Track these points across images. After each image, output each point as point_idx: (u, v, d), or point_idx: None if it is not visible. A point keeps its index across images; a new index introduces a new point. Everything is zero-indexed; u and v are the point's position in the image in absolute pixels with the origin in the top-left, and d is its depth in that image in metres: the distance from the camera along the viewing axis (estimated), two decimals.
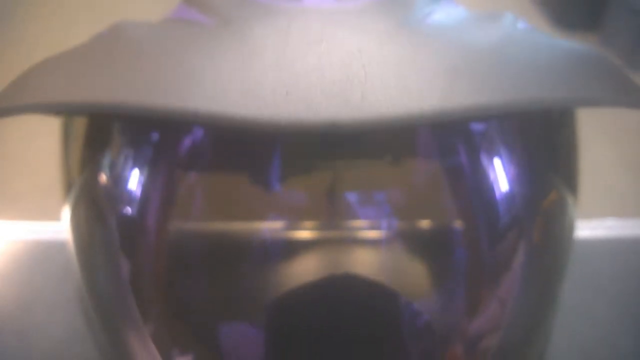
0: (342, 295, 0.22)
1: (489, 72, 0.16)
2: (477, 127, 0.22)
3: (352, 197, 0.22)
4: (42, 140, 1.67)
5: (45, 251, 0.43)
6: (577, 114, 0.27)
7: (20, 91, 0.19)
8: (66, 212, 0.26)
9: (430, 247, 0.23)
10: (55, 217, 0.46)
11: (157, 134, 0.23)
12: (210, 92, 0.15)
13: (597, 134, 1.74)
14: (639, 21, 1.92)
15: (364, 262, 0.23)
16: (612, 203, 1.46)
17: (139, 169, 0.23)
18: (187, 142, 0.23)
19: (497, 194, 0.23)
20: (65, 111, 0.23)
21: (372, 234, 0.22)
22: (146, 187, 0.23)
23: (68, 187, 0.26)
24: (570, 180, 0.26)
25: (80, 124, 0.25)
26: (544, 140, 0.25)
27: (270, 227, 0.23)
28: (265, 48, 0.17)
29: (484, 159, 0.23)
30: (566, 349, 0.36)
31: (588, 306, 0.39)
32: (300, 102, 0.14)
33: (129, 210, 0.24)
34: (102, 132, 0.24)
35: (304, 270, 0.22)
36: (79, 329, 0.37)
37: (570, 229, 0.26)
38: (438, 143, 0.23)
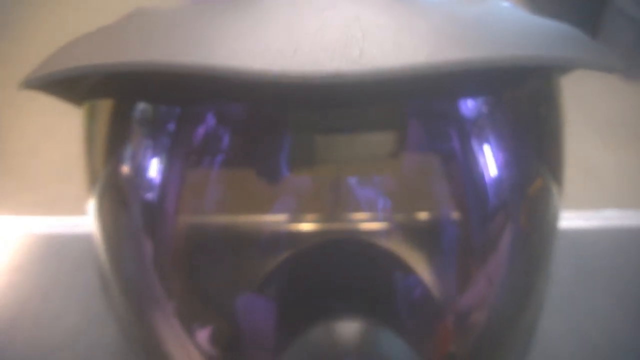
0: (343, 255, 0.24)
1: (473, 35, 0.18)
2: (468, 114, 0.24)
3: (353, 181, 0.24)
4: (56, 140, 1.69)
5: (59, 244, 0.45)
6: (563, 107, 0.28)
7: (57, 60, 0.21)
8: (92, 204, 0.27)
9: (424, 227, 0.25)
10: (68, 212, 0.47)
11: (173, 125, 0.24)
12: (228, 51, 0.17)
13: (590, 132, 1.76)
14: (635, 28, 1.93)
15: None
16: (603, 195, 1.50)
17: (158, 158, 0.25)
18: (200, 131, 0.24)
19: (487, 179, 0.25)
20: (98, 74, 0.24)
21: (371, 216, 0.24)
22: (165, 174, 0.25)
23: (93, 181, 0.27)
24: (555, 170, 0.27)
25: (102, 123, 0.27)
26: (531, 132, 0.27)
27: (280, 211, 0.24)
28: (275, 16, 0.19)
29: (475, 146, 0.25)
30: (562, 334, 0.38)
31: (585, 293, 0.40)
32: (306, 58, 0.16)
33: (150, 196, 0.25)
34: (123, 127, 0.25)
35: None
36: (91, 316, 0.39)
37: (555, 216, 0.27)
38: (432, 129, 0.25)
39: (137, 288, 0.26)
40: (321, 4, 0.20)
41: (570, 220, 0.45)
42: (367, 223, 0.24)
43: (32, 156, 1.64)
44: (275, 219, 0.24)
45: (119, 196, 0.26)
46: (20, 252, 0.44)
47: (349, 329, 0.20)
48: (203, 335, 0.25)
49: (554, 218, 0.27)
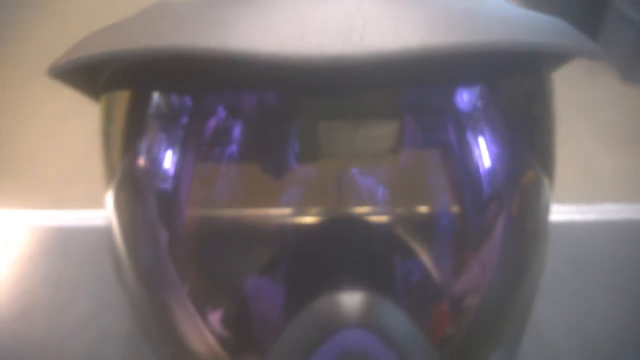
0: (346, 233, 0.25)
1: (466, 23, 0.20)
2: (463, 107, 0.25)
3: (356, 166, 0.25)
4: (64, 138, 1.71)
5: (68, 236, 0.46)
6: (554, 105, 0.30)
7: (80, 49, 0.22)
8: (109, 196, 0.29)
9: (422, 214, 0.26)
10: (77, 206, 0.49)
11: (187, 117, 0.26)
12: (242, 36, 0.18)
13: (591, 135, 1.77)
14: (635, 31, 1.94)
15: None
16: (603, 195, 1.51)
17: (172, 150, 0.26)
18: (211, 123, 0.26)
19: (481, 169, 0.26)
20: (119, 61, 0.25)
21: (373, 198, 0.25)
22: (178, 166, 0.26)
23: (111, 175, 0.28)
24: (547, 165, 0.29)
25: (119, 117, 0.28)
26: (524, 126, 0.28)
27: (288, 196, 0.26)
28: (284, 6, 0.20)
29: (470, 137, 0.26)
30: (558, 322, 0.39)
31: (581, 284, 0.41)
32: (312, 43, 0.18)
33: (164, 187, 0.27)
34: (140, 119, 0.27)
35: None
36: (101, 303, 0.40)
37: (546, 207, 0.28)
38: (429, 120, 0.26)
39: (153, 274, 0.27)
40: None
41: (566, 214, 0.46)
42: (369, 205, 0.25)
43: (37, 158, 1.66)
44: (283, 203, 0.26)
45: (135, 187, 0.27)
46: (31, 244, 0.46)
47: (351, 300, 0.21)
48: (215, 316, 0.26)
49: (546, 209, 0.29)
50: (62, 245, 0.45)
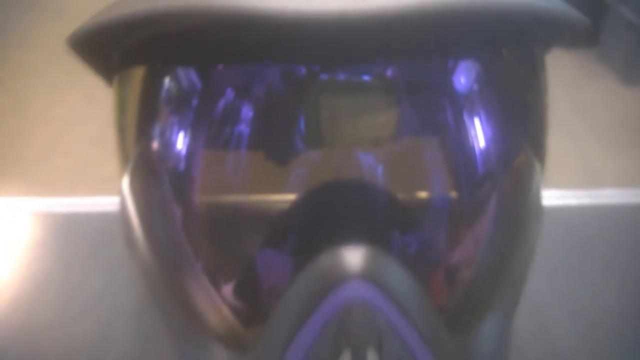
0: (349, 194, 0.26)
1: None
2: (460, 88, 0.27)
3: (358, 151, 0.26)
4: (69, 141, 1.72)
5: (79, 221, 0.48)
6: (547, 93, 0.31)
7: (100, 16, 0.23)
8: (125, 180, 0.29)
9: (420, 179, 0.28)
10: (86, 193, 0.50)
11: (196, 100, 0.27)
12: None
13: (591, 136, 1.78)
14: (635, 35, 1.96)
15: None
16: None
17: (184, 132, 0.27)
18: (221, 104, 0.27)
19: (476, 149, 0.28)
20: (138, 28, 0.25)
21: (375, 165, 0.27)
22: (190, 146, 0.27)
23: (126, 160, 0.29)
24: (538, 150, 0.30)
25: (132, 109, 0.29)
26: (518, 111, 0.29)
27: (296, 174, 0.27)
28: None
29: (466, 118, 0.27)
30: (555, 302, 0.40)
31: (578, 266, 0.43)
32: (318, 2, 0.19)
33: (177, 167, 0.28)
34: (151, 108, 0.28)
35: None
36: (110, 283, 0.42)
37: (537, 190, 0.29)
38: (429, 100, 0.28)
39: (168, 251, 0.28)
40: None
41: (562, 198, 0.48)
42: (370, 171, 0.26)
43: (42, 160, 1.68)
44: (292, 176, 0.27)
45: (150, 170, 0.28)
46: (44, 229, 0.47)
47: (353, 254, 0.22)
48: (227, 283, 0.28)
49: (537, 189, 0.30)
50: (74, 229, 0.47)
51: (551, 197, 0.48)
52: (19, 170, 1.60)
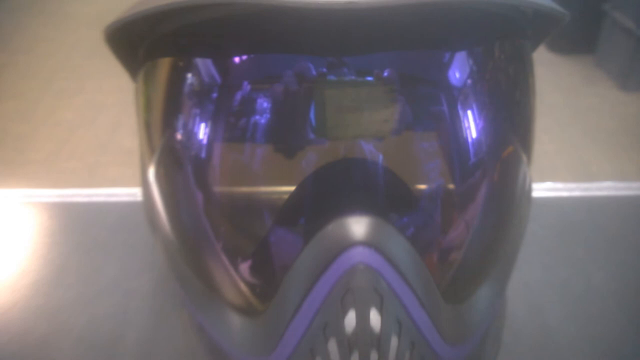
0: (354, 171, 0.29)
1: None
2: (455, 82, 0.29)
3: (362, 140, 0.29)
4: (74, 145, 1.74)
5: (96, 210, 0.50)
6: (534, 89, 0.33)
7: (135, 8, 0.26)
8: (151, 170, 0.32)
9: (417, 177, 0.30)
10: (101, 184, 0.53)
11: (216, 94, 0.29)
12: None
13: (589, 141, 1.81)
14: (632, 41, 1.98)
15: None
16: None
17: (205, 123, 0.30)
18: (238, 96, 0.29)
19: (469, 140, 0.30)
20: (166, 22, 0.28)
21: (378, 147, 0.29)
22: (210, 136, 0.30)
23: (151, 152, 0.32)
24: (525, 144, 0.32)
25: (157, 102, 0.31)
26: (508, 104, 0.32)
27: (306, 159, 0.30)
28: None
29: (460, 111, 0.30)
30: (548, 285, 0.43)
31: (570, 252, 0.45)
32: None
33: (199, 155, 0.30)
34: (175, 100, 0.30)
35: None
36: (127, 269, 0.44)
37: (523, 180, 0.32)
38: (426, 94, 0.30)
39: (191, 232, 0.31)
40: None
41: (555, 190, 0.50)
42: (374, 152, 0.29)
43: (47, 164, 1.70)
44: (302, 159, 0.30)
45: (174, 159, 0.31)
46: (64, 217, 0.50)
47: (358, 223, 0.24)
48: (244, 260, 0.30)
49: (524, 178, 0.32)
50: (93, 218, 0.50)
51: (544, 190, 0.50)
52: (26, 172, 1.63)
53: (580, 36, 2.26)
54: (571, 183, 0.50)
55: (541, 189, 0.50)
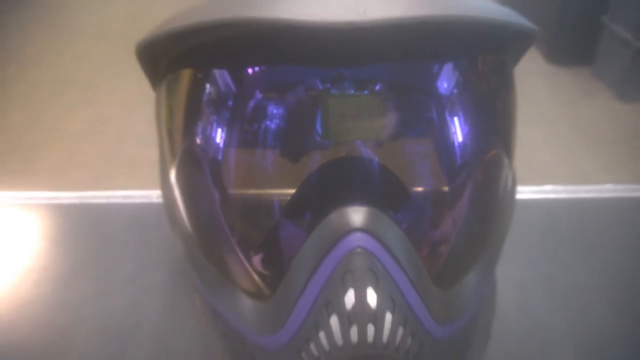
0: (353, 168, 0.33)
1: (443, 4, 0.27)
2: (445, 92, 0.33)
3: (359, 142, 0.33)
4: (82, 155, 1.77)
5: (114, 211, 0.54)
6: (515, 99, 0.36)
7: (163, 27, 0.29)
8: (172, 172, 0.35)
9: (410, 174, 0.34)
10: (115, 187, 0.56)
11: (231, 102, 0.33)
12: (281, 11, 0.25)
13: (589, 152, 1.84)
14: (630, 53, 2.01)
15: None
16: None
17: (221, 128, 0.33)
18: (251, 105, 0.33)
19: (455, 143, 0.33)
20: (192, 38, 0.30)
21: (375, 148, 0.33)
22: (227, 140, 0.33)
23: (173, 156, 0.35)
24: (507, 148, 0.35)
25: (179, 110, 0.34)
26: (491, 112, 0.35)
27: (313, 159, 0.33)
28: None
29: (447, 117, 0.33)
30: (534, 279, 0.46)
31: (554, 249, 0.48)
32: (331, 14, 0.25)
33: (216, 157, 0.34)
34: (195, 111, 0.34)
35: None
36: (143, 265, 0.47)
37: (505, 182, 0.35)
38: (417, 103, 0.34)
39: (209, 228, 0.34)
40: None
41: (542, 193, 0.54)
42: (371, 151, 0.33)
43: (54, 174, 1.74)
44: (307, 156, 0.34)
45: (194, 161, 0.34)
46: (84, 217, 0.53)
47: (356, 212, 0.28)
48: (256, 248, 0.34)
49: (506, 178, 0.35)
50: (109, 218, 0.53)
51: (532, 192, 0.54)
52: (34, 182, 1.66)
53: (579, 48, 2.29)
54: (558, 185, 0.53)
55: (529, 192, 0.53)
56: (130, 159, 1.76)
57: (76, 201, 0.54)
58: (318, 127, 0.33)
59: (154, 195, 0.54)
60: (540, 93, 2.17)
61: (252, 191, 0.35)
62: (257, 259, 0.33)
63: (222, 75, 0.32)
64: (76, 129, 1.98)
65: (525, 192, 0.53)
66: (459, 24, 0.27)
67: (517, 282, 0.45)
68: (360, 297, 0.26)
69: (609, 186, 0.54)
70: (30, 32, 2.73)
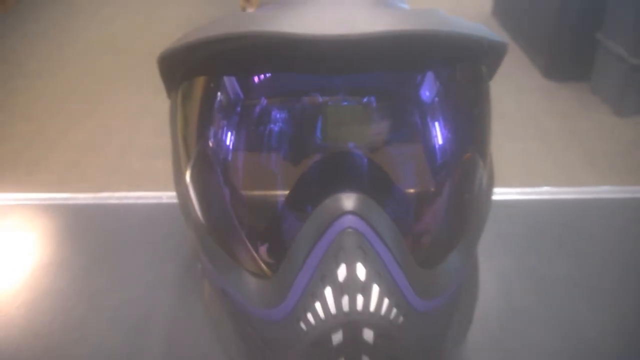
0: (346, 162, 0.37)
1: (423, 20, 0.31)
2: (425, 99, 0.37)
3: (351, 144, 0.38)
4: (86, 168, 1.80)
5: (127, 210, 0.58)
6: (490, 109, 0.40)
7: (182, 40, 0.33)
8: (188, 173, 0.39)
9: (395, 168, 0.39)
10: (128, 189, 0.60)
11: (239, 108, 0.37)
12: (286, 26, 0.29)
13: (586, 164, 1.87)
14: (624, 68, 2.04)
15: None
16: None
17: (230, 132, 0.38)
18: (257, 110, 0.37)
19: (436, 146, 0.38)
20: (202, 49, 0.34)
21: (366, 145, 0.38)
22: (235, 143, 0.38)
23: (188, 158, 0.39)
24: (482, 152, 0.39)
25: (193, 116, 0.39)
26: (468, 118, 0.39)
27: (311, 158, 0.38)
28: (309, 13, 0.32)
29: (429, 122, 0.38)
30: (517, 271, 0.49)
31: (535, 244, 0.52)
32: (325, 29, 0.29)
33: (226, 159, 0.38)
34: (208, 116, 0.38)
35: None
36: (151, 259, 0.51)
37: (480, 182, 0.39)
38: (402, 110, 0.38)
39: (221, 223, 0.38)
40: (332, 7, 0.34)
41: (523, 194, 0.58)
42: (362, 149, 0.38)
43: (59, 186, 1.77)
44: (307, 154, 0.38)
45: (206, 162, 0.38)
46: (99, 216, 0.57)
47: (348, 198, 0.31)
48: (260, 238, 0.38)
49: (481, 175, 0.39)
50: (122, 217, 0.57)
51: (516, 193, 0.57)
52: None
53: (576, 64, 2.34)
54: (540, 187, 0.57)
55: (514, 193, 0.57)
56: (133, 171, 1.81)
57: (92, 202, 0.58)
58: (318, 132, 0.37)
59: (164, 196, 0.58)
60: (538, 108, 2.21)
61: (257, 186, 0.39)
62: (261, 243, 0.37)
63: (231, 85, 0.37)
64: (79, 140, 2.01)
65: (511, 194, 0.57)
66: (436, 37, 0.31)
67: (501, 272, 0.49)
68: (351, 271, 0.30)
69: (588, 188, 0.58)
70: (34, 46, 2.78)
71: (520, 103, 2.24)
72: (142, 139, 1.99)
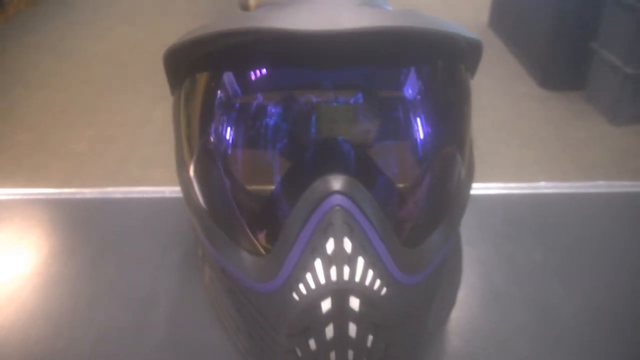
0: (335, 149, 0.41)
1: (403, 18, 0.34)
2: (407, 94, 0.41)
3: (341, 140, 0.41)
4: (85, 177, 1.80)
5: (132, 204, 0.61)
6: (470, 106, 0.44)
7: (186, 37, 0.37)
8: (192, 167, 0.43)
9: (380, 154, 0.42)
10: (128, 183, 0.63)
11: (238, 104, 0.41)
12: (279, 23, 0.32)
13: (580, 174, 1.89)
14: (619, 78, 2.07)
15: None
16: None
17: (230, 127, 0.41)
18: (254, 104, 0.41)
19: (418, 140, 0.42)
20: (205, 44, 0.38)
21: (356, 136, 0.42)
22: (235, 138, 0.41)
23: (192, 152, 0.43)
24: (461, 147, 0.43)
25: (195, 111, 0.42)
26: (446, 114, 0.43)
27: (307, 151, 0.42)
28: (301, 13, 0.35)
29: (411, 117, 0.41)
30: (495, 256, 0.53)
31: (514, 233, 0.55)
32: (314, 25, 0.32)
33: (227, 152, 0.41)
34: (208, 110, 0.41)
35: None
36: (155, 248, 0.54)
37: (458, 176, 0.43)
38: (387, 106, 0.42)
39: (223, 212, 0.42)
40: (323, 6, 0.37)
41: (505, 189, 0.61)
42: (350, 139, 0.41)
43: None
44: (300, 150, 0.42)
45: (209, 157, 0.42)
46: (106, 210, 0.61)
47: (337, 179, 0.35)
48: (257, 219, 0.41)
49: (459, 167, 0.43)
50: (128, 211, 0.60)
51: (497, 188, 0.61)
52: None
53: (571, 73, 2.38)
54: (521, 183, 0.61)
55: (496, 187, 0.61)
56: (133, 179, 1.83)
57: (98, 196, 0.62)
58: (310, 124, 0.41)
59: (167, 191, 0.61)
60: (534, 117, 2.24)
61: (254, 174, 0.43)
62: (257, 223, 0.41)
63: (230, 82, 0.40)
64: (79, 149, 2.04)
65: (493, 188, 0.61)
66: (414, 33, 0.35)
67: (482, 260, 0.52)
68: (338, 244, 0.34)
69: (565, 184, 0.62)
70: (35, 56, 2.82)
71: (516, 112, 2.28)
72: (141, 148, 2.02)
